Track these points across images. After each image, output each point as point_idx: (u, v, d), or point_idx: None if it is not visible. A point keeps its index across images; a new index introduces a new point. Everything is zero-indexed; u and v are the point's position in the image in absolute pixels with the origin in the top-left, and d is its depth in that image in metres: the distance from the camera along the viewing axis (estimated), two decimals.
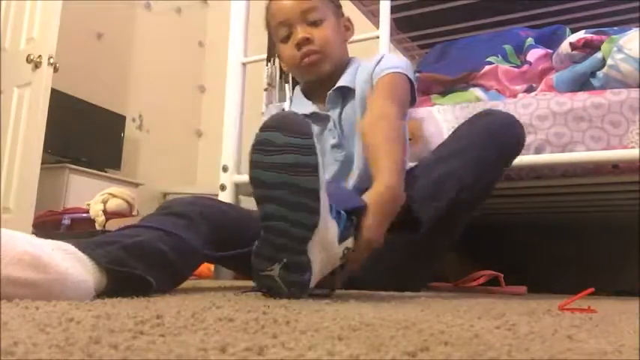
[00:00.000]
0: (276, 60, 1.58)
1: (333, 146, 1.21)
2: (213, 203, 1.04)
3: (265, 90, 1.46)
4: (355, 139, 1.19)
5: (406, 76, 1.16)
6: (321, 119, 1.22)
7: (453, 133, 1.18)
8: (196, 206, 0.95)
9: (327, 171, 1.23)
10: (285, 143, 0.72)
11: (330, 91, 1.20)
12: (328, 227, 0.76)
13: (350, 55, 1.27)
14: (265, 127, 0.74)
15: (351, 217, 0.82)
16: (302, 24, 1.17)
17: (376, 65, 1.18)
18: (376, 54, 1.46)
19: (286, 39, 1.20)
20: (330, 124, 1.21)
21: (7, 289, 0.57)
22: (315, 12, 1.17)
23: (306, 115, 1.20)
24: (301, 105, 1.26)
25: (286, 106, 1.33)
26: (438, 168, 1.08)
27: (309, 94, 1.27)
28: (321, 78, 1.21)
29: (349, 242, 0.81)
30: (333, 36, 1.19)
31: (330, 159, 1.22)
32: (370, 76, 1.17)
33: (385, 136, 0.99)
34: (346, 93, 1.21)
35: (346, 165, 1.20)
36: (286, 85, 1.57)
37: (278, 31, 1.21)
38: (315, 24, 1.17)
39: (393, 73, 1.15)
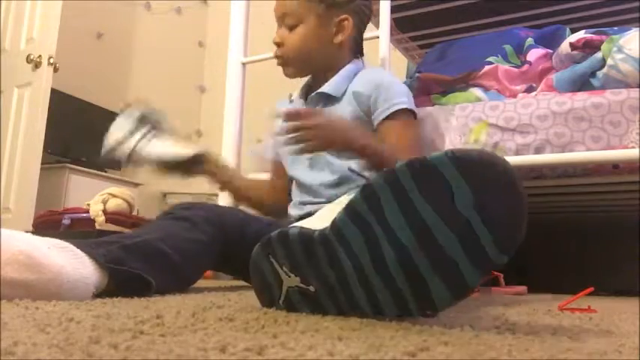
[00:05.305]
0: None
1: None
2: (215, 206, 1.05)
3: None
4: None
5: (409, 110, 1.12)
6: None
7: None
8: (199, 210, 0.96)
9: (297, 168, 1.21)
10: None
11: (313, 94, 1.19)
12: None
13: None
14: None
15: None
16: (281, 26, 1.19)
17: (375, 100, 1.12)
18: (377, 54, 1.47)
19: None
20: None
21: (4, 289, 0.57)
22: (291, 17, 1.16)
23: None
24: (294, 100, 1.28)
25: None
26: None
27: (310, 85, 1.27)
28: (303, 76, 1.24)
29: None
30: (304, 42, 1.16)
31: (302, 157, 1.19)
32: (368, 107, 1.13)
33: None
34: (328, 99, 1.18)
35: (315, 163, 1.17)
36: None
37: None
38: (290, 28, 1.17)
39: (397, 118, 1.10)
